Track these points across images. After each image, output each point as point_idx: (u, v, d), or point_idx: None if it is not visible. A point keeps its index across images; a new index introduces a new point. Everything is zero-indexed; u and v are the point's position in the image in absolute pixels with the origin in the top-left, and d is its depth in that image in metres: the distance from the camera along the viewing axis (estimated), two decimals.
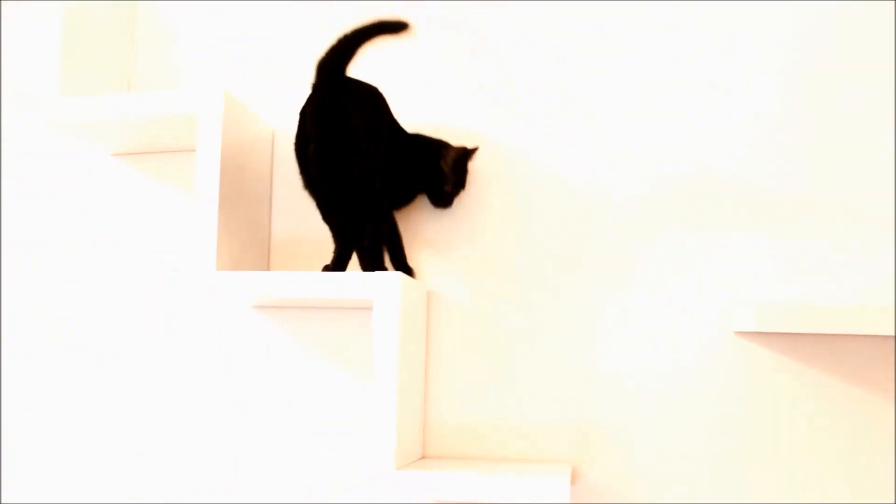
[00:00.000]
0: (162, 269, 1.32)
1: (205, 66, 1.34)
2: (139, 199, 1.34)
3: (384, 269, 1.09)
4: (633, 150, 1.18)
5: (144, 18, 1.38)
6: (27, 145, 1.40)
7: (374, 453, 1.01)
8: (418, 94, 1.25)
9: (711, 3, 1.17)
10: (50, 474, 1.33)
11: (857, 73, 1.12)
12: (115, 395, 1.32)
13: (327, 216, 1.09)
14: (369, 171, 1.05)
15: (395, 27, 1.05)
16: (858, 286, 1.10)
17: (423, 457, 1.19)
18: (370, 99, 1.09)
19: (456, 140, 1.22)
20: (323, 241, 1.26)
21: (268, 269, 1.28)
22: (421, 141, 1.18)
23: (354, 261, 1.21)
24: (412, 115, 1.25)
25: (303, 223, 1.27)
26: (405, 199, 1.19)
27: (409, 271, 1.16)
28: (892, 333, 0.95)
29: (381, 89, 1.25)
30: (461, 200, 1.22)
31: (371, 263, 1.09)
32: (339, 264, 1.10)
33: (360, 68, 1.27)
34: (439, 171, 1.16)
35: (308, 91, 1.05)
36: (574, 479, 1.15)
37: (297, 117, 1.20)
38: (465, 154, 1.17)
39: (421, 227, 1.23)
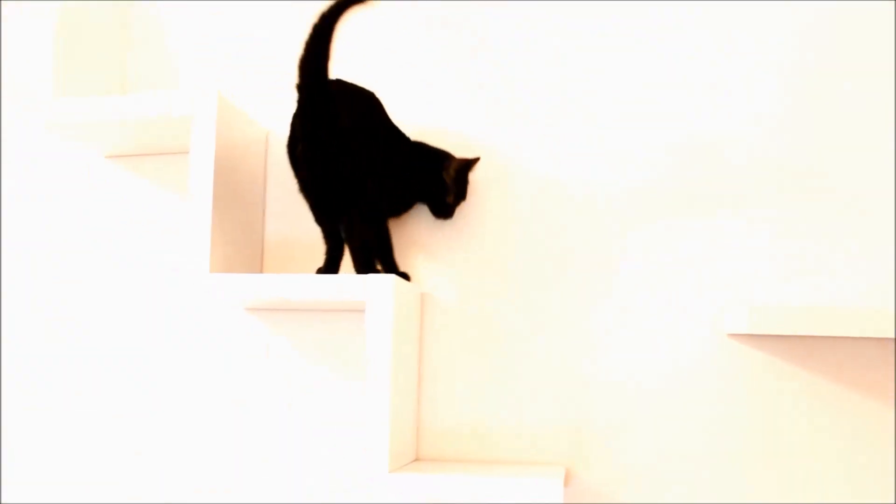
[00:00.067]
0: (155, 271, 1.32)
1: (199, 68, 1.34)
2: (133, 201, 1.34)
3: (375, 270, 1.09)
4: (627, 151, 1.18)
5: (139, 19, 1.38)
6: (20, 147, 1.40)
7: (367, 455, 1.01)
8: (418, 94, 1.25)
9: (711, 3, 1.17)
10: (49, 474, 1.33)
11: (857, 73, 1.13)
12: (110, 396, 1.32)
13: (318, 217, 1.09)
14: (360, 172, 1.05)
15: None
16: (854, 288, 1.11)
17: (417, 459, 1.19)
18: (364, 101, 1.09)
19: (452, 140, 1.23)
20: (317, 243, 1.26)
21: (261, 271, 1.28)
22: (423, 150, 1.16)
23: (348, 263, 1.21)
24: (412, 116, 1.25)
25: (296, 225, 1.27)
26: (403, 206, 1.18)
27: (403, 277, 1.16)
28: (888, 336, 0.95)
29: (378, 93, 1.25)
30: None
31: (362, 265, 1.09)
32: (331, 266, 1.10)
33: (360, 69, 1.27)
34: (441, 182, 1.15)
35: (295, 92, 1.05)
36: (567, 480, 1.15)
37: (290, 119, 1.21)
38: (467, 165, 1.15)
39: (414, 229, 1.23)
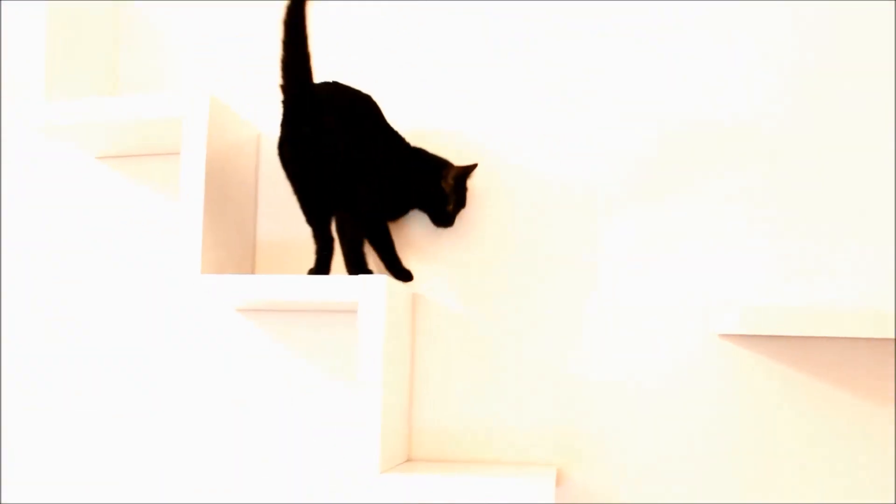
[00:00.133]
0: (147, 272, 1.31)
1: (191, 69, 1.34)
2: (124, 202, 1.34)
3: (367, 271, 1.09)
4: (620, 153, 1.18)
5: (130, 20, 1.37)
6: (10, 148, 1.40)
7: (359, 456, 1.01)
8: (418, 94, 1.25)
9: (711, 3, 1.17)
10: (49, 474, 1.33)
11: (857, 73, 1.13)
12: (101, 397, 1.31)
13: (308, 216, 1.09)
14: (350, 175, 1.05)
15: None
16: (847, 288, 1.11)
17: (409, 459, 1.19)
18: (358, 105, 1.09)
19: (450, 140, 1.23)
20: (308, 244, 1.26)
21: (253, 272, 1.27)
22: (421, 156, 1.16)
23: (340, 265, 1.21)
24: (412, 116, 1.24)
25: (288, 226, 1.27)
26: (399, 211, 1.18)
27: (406, 275, 1.16)
28: (879, 336, 0.95)
29: (376, 94, 1.25)
30: None
31: (354, 265, 1.09)
32: (322, 266, 1.10)
33: (360, 69, 1.27)
34: (440, 191, 1.14)
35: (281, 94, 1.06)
36: (559, 481, 1.15)
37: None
38: (466, 172, 1.15)
39: (406, 230, 1.23)
